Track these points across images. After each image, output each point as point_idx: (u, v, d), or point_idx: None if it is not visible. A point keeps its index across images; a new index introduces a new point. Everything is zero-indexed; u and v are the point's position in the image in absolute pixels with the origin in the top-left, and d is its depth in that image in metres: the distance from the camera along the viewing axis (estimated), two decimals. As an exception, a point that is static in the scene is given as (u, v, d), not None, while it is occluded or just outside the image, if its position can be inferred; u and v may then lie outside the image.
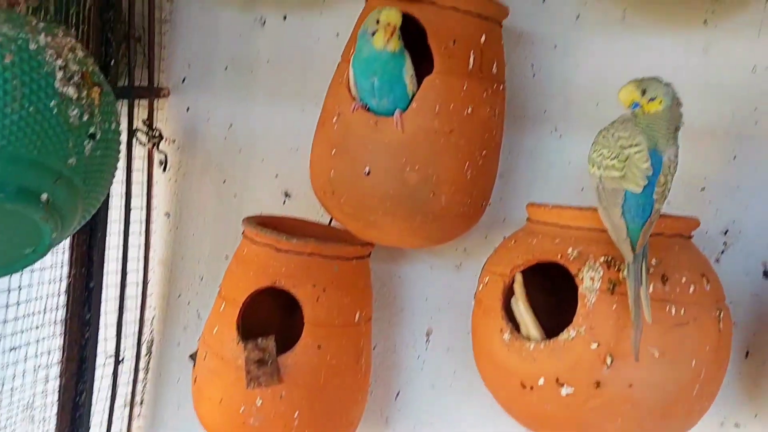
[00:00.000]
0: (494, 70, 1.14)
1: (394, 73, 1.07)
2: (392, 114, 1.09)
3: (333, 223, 1.34)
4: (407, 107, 1.09)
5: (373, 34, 1.05)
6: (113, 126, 1.03)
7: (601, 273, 0.93)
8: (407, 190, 1.09)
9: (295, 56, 1.46)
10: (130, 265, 1.53)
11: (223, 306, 1.21)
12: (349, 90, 1.13)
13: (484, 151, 1.13)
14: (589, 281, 0.93)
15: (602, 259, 0.94)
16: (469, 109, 1.10)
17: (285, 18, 1.47)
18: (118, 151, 1.07)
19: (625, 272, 0.91)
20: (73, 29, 1.32)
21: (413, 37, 1.09)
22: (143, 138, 1.50)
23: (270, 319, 1.28)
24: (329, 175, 1.14)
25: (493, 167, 1.18)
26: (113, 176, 1.08)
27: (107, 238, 1.48)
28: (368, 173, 1.09)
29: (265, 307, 1.26)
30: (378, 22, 1.04)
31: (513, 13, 1.21)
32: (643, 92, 0.95)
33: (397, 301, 1.38)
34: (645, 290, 0.90)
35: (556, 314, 1.00)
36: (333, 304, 1.17)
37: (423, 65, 1.10)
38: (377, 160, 1.09)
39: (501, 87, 1.16)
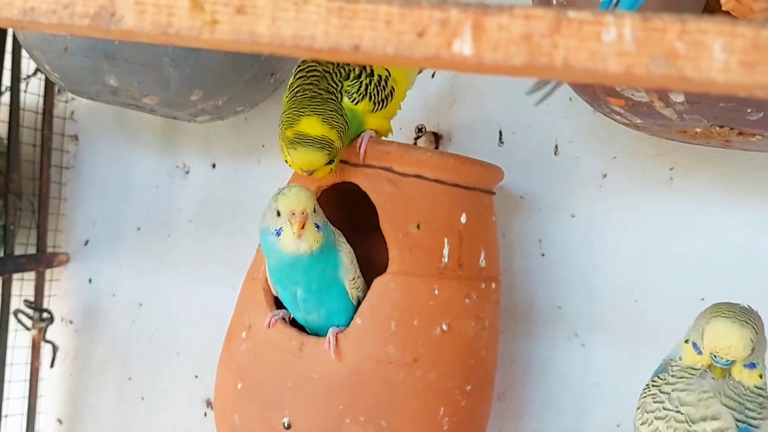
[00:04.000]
0: (482, 262, 0.77)
1: (324, 278, 0.70)
2: (326, 333, 0.71)
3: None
4: (349, 323, 0.71)
5: (278, 233, 0.68)
6: None
7: None
8: (347, 454, 0.70)
9: (226, 216, 1.10)
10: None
11: None
12: (267, 292, 0.75)
13: (469, 386, 0.75)
14: None
15: None
16: (444, 325, 0.73)
17: (214, 166, 1.13)
18: None
19: None
20: None
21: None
22: (27, 322, 1.12)
23: None
24: (232, 421, 0.75)
25: (483, 407, 0.79)
26: None
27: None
28: (288, 426, 0.72)
29: None
30: (278, 213, 0.67)
31: (511, 170, 0.85)
32: (751, 350, 0.57)
33: None
34: None
35: None
36: None
37: (383, 244, 0.73)
38: (301, 405, 0.72)
39: (493, 285, 0.79)
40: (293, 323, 0.75)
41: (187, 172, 1.14)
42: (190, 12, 0.34)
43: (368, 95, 0.73)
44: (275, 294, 0.75)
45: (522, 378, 0.91)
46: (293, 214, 0.66)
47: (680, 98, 0.60)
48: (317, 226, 0.68)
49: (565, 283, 0.90)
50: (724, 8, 0.51)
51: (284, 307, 0.75)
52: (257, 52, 0.35)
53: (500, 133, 0.94)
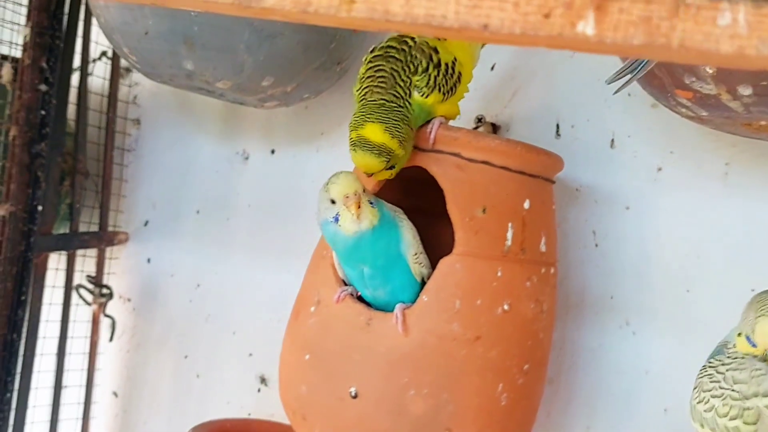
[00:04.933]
0: (542, 247, 0.79)
1: (389, 253, 0.74)
2: (392, 309, 0.74)
3: None
4: (415, 300, 0.74)
5: (336, 219, 0.71)
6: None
7: None
8: (410, 424, 0.74)
9: (284, 202, 1.14)
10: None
11: None
12: (335, 269, 0.79)
13: (526, 366, 0.78)
14: None
15: None
16: (505, 305, 0.76)
17: (273, 152, 1.16)
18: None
19: None
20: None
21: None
22: (88, 297, 1.17)
23: None
24: (299, 390, 0.79)
25: (538, 387, 0.81)
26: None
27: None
28: (354, 396, 0.75)
29: None
30: (333, 202, 0.71)
31: (568, 162, 0.87)
32: None
33: None
34: None
35: None
36: None
37: (446, 229, 0.76)
38: (368, 376, 0.75)
39: (552, 270, 0.81)
40: (360, 300, 0.78)
41: (247, 158, 1.18)
42: (328, -9, 0.37)
43: (437, 87, 0.76)
44: (342, 277, 0.79)
45: (572, 364, 0.93)
46: (347, 197, 0.71)
47: (748, 91, 0.63)
48: (371, 203, 0.73)
49: (618, 274, 0.92)
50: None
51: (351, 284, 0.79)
52: (388, 30, 0.38)
53: (557, 125, 0.97)
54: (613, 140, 0.94)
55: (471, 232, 0.75)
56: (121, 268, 1.26)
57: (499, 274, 0.76)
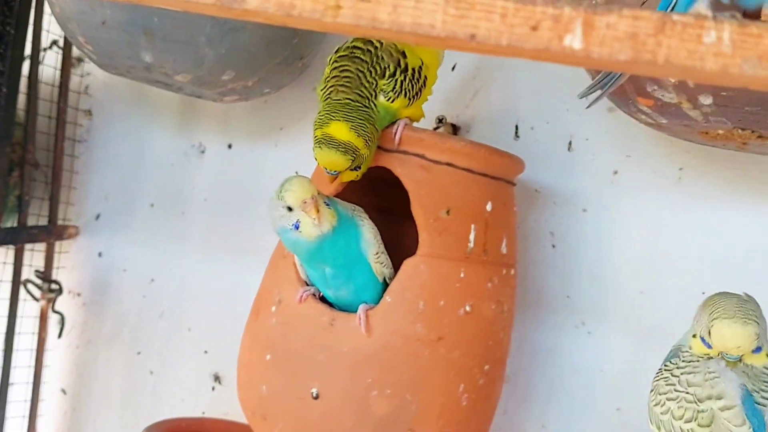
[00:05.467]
0: (504, 249, 0.80)
1: (350, 253, 0.74)
2: (354, 309, 0.74)
3: None
4: (377, 300, 0.75)
5: (296, 226, 0.71)
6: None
7: None
8: (373, 425, 0.74)
9: (241, 197, 1.12)
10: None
11: None
12: (297, 269, 0.78)
13: (487, 366, 0.79)
14: None
15: None
16: (467, 306, 0.76)
17: (230, 147, 1.15)
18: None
19: None
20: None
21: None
22: (36, 292, 1.14)
23: None
24: (260, 390, 0.78)
25: (497, 386, 0.82)
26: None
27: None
28: (316, 396, 0.74)
29: None
30: (290, 209, 0.71)
31: (528, 163, 0.88)
32: (756, 337, 0.61)
33: None
34: None
35: None
36: None
37: (409, 229, 0.76)
38: (330, 377, 0.75)
39: (512, 272, 0.82)
40: (322, 300, 0.78)
41: (203, 152, 1.16)
42: (314, -4, 0.37)
43: (403, 92, 0.76)
44: (304, 277, 0.78)
45: (529, 363, 0.94)
46: (305, 202, 0.70)
47: (708, 100, 0.64)
48: (327, 204, 0.72)
49: (575, 274, 0.94)
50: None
51: (313, 285, 0.78)
52: (373, 37, 0.38)
53: (517, 127, 0.98)
54: (571, 143, 0.95)
55: (435, 234, 0.76)
56: (71, 263, 1.23)
57: (462, 275, 0.76)
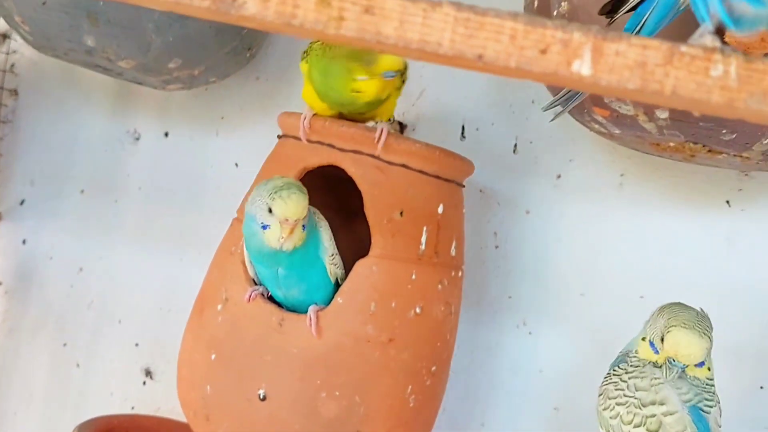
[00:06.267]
0: (453, 251, 0.81)
1: (307, 258, 0.72)
2: (303, 310, 0.73)
3: None
4: (328, 301, 0.74)
5: (264, 227, 0.69)
6: None
7: None
8: (321, 427, 0.74)
9: (179, 186, 1.09)
10: None
11: None
12: (245, 267, 0.77)
13: (434, 367, 0.79)
14: None
15: None
16: (418, 308, 0.76)
17: (167, 135, 1.11)
18: None
19: None
20: None
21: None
22: (-46, 280, 1.08)
23: None
24: (204, 390, 0.76)
25: (443, 386, 0.83)
26: None
27: None
28: (263, 398, 0.74)
29: None
30: (270, 211, 0.68)
31: (474, 164, 0.89)
32: (707, 351, 0.63)
33: None
34: None
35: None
36: None
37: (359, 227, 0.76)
38: (278, 378, 0.74)
39: (459, 273, 0.83)
40: (270, 300, 0.77)
41: (138, 139, 1.12)
42: (316, 6, 0.35)
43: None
44: (252, 276, 0.77)
45: (469, 362, 0.95)
46: (286, 220, 0.67)
47: (664, 114, 0.66)
48: (303, 227, 0.70)
49: (517, 275, 0.95)
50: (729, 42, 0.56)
51: (261, 284, 0.77)
52: (382, 51, 0.37)
53: (463, 127, 0.98)
54: (516, 145, 0.96)
55: (388, 235, 0.75)
56: (-8, 249, 1.17)
57: (413, 277, 0.76)
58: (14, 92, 1.19)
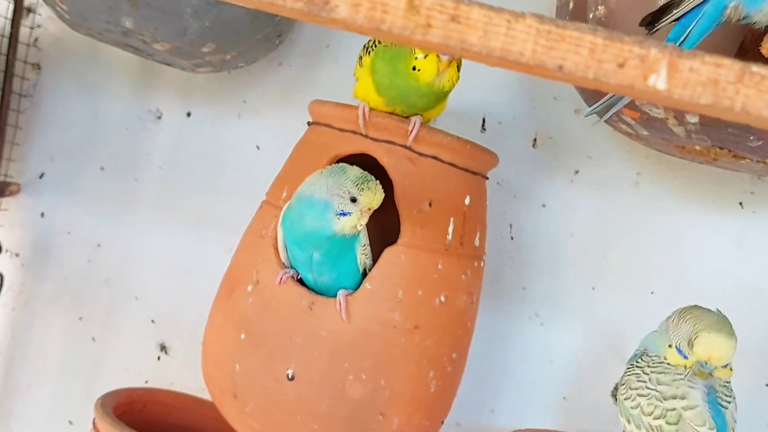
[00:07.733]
0: (476, 242, 0.83)
1: (343, 246, 0.74)
2: (332, 295, 0.75)
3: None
4: (357, 287, 0.76)
5: (343, 214, 0.71)
6: None
7: None
8: (347, 408, 0.76)
9: (199, 167, 1.11)
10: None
11: None
12: (276, 250, 0.78)
13: (455, 354, 0.81)
14: None
15: None
16: (442, 297, 0.78)
17: (189, 115, 1.12)
18: None
19: None
20: None
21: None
22: (-27, 250, 1.09)
23: None
24: (232, 369, 0.78)
25: (461, 373, 0.86)
26: None
27: None
28: (291, 378, 0.75)
29: None
30: (353, 200, 0.71)
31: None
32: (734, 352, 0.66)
33: None
34: None
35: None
36: None
37: (386, 218, 0.78)
38: (307, 359, 0.75)
39: (481, 264, 0.85)
40: (300, 283, 0.78)
41: (159, 117, 1.13)
42: (405, 12, 0.37)
43: None
44: (284, 260, 0.78)
45: (482, 350, 0.98)
46: (369, 209, 0.71)
47: (694, 119, 0.68)
48: None
49: (531, 267, 0.97)
50: (764, 53, 0.59)
51: (291, 267, 0.79)
52: (465, 58, 0.39)
53: (484, 120, 1.00)
54: (535, 140, 0.99)
55: (417, 225, 0.77)
56: (10, 221, 1.18)
57: (439, 266, 0.78)
58: (37, 66, 1.20)
